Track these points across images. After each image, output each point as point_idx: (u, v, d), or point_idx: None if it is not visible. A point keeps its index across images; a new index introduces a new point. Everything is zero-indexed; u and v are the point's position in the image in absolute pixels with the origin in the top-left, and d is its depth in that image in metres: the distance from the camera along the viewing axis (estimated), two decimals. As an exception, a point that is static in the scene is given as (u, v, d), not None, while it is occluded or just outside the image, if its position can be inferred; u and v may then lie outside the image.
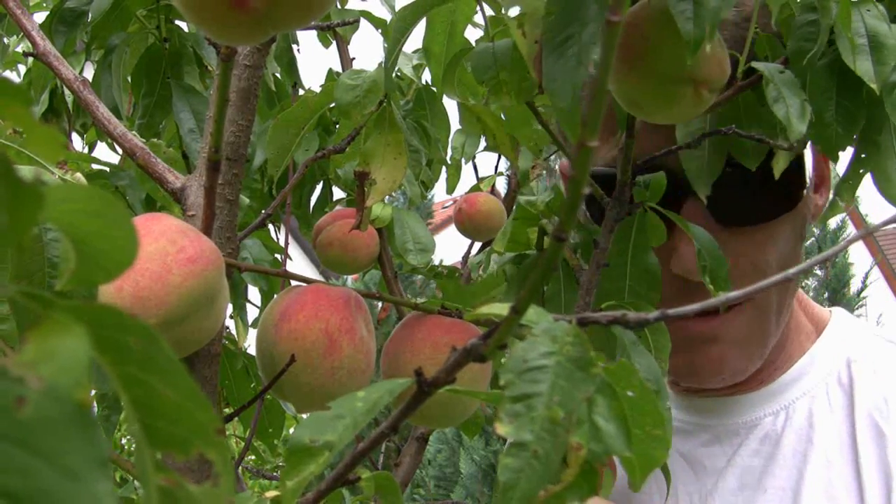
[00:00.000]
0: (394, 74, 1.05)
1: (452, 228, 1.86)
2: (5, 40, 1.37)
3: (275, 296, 1.46)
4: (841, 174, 0.65)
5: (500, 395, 0.39)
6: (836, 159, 0.60)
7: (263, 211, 1.44)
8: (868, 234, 0.53)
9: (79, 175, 0.61)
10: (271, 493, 0.51)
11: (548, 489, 0.41)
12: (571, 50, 0.45)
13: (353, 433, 0.45)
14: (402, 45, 0.59)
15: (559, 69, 0.45)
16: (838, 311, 1.03)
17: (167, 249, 0.61)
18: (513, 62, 0.53)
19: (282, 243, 1.47)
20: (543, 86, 0.48)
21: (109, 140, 1.65)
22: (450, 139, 1.48)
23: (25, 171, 0.56)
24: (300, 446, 0.45)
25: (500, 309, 0.43)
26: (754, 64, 0.59)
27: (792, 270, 0.41)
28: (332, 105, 0.73)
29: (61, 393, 0.22)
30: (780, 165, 0.68)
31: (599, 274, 0.55)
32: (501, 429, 0.39)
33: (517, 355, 0.40)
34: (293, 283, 0.78)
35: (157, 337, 0.27)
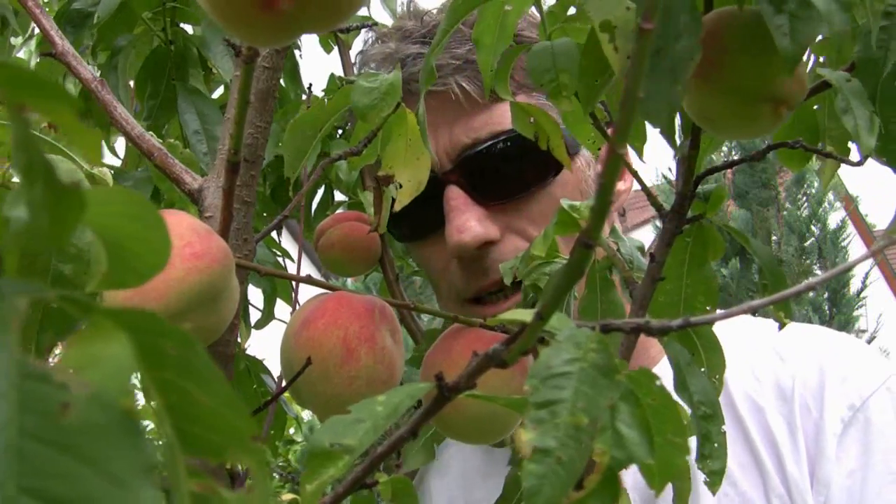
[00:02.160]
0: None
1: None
2: (11, 40, 1.37)
3: (278, 298, 1.46)
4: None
5: (524, 402, 0.39)
6: None
7: (268, 214, 1.44)
8: (878, 251, 0.53)
9: (105, 170, 0.61)
10: (288, 496, 0.51)
11: (570, 495, 0.41)
12: (664, 64, 0.43)
13: (374, 437, 0.44)
14: (445, 40, 0.57)
15: (653, 87, 0.42)
16: None
17: (174, 243, 0.60)
18: (581, 69, 0.51)
19: (284, 245, 1.47)
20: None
21: (110, 143, 1.65)
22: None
23: (63, 168, 0.55)
24: (319, 450, 0.45)
25: (524, 315, 0.43)
26: (820, 70, 0.56)
27: (814, 280, 0.41)
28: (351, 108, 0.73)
29: (107, 399, 0.22)
30: (826, 175, 0.67)
31: (654, 288, 0.53)
32: (525, 435, 0.39)
33: (541, 361, 0.40)
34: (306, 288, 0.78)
35: (194, 343, 0.27)
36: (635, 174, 0.60)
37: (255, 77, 0.64)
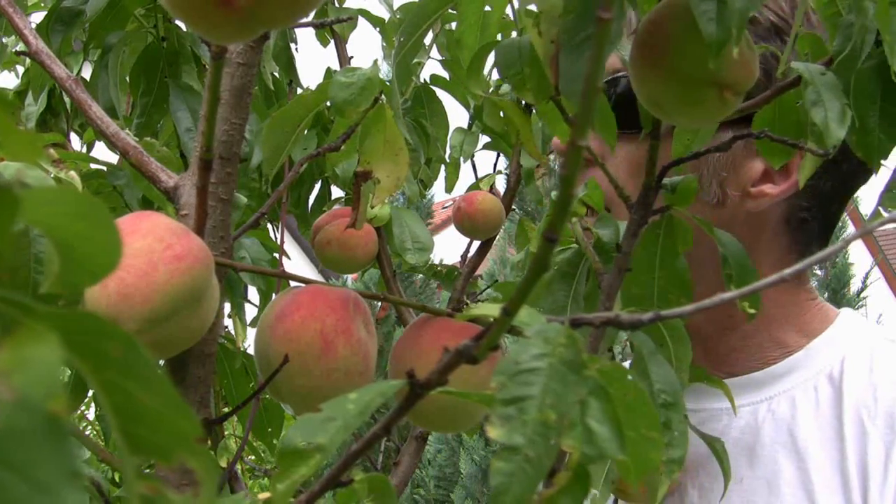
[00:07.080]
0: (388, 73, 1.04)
1: (453, 228, 1.85)
2: (4, 40, 1.36)
3: (273, 295, 1.46)
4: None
5: (492, 398, 0.39)
6: (877, 168, 0.57)
7: (257, 210, 1.43)
8: (867, 233, 0.52)
9: (73, 173, 0.61)
10: (264, 495, 0.51)
11: (541, 493, 0.40)
12: (586, 46, 0.44)
13: (345, 435, 0.44)
14: (422, 37, 0.57)
15: (577, 70, 0.44)
16: (846, 311, 1.03)
17: (154, 247, 0.60)
18: (531, 59, 0.51)
19: (279, 242, 1.46)
20: (560, 87, 0.46)
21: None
22: (448, 137, 1.48)
23: (11, 167, 0.55)
24: (291, 449, 0.45)
25: (492, 310, 0.43)
26: (793, 64, 0.57)
27: (788, 270, 0.41)
28: (330, 103, 0.72)
29: (33, 403, 0.21)
30: (805, 171, 0.66)
31: (622, 279, 0.53)
32: (493, 432, 0.38)
33: (509, 357, 0.40)
34: (292, 283, 0.77)
35: (136, 344, 0.26)
36: (602, 167, 0.60)
37: (228, 73, 0.64)
